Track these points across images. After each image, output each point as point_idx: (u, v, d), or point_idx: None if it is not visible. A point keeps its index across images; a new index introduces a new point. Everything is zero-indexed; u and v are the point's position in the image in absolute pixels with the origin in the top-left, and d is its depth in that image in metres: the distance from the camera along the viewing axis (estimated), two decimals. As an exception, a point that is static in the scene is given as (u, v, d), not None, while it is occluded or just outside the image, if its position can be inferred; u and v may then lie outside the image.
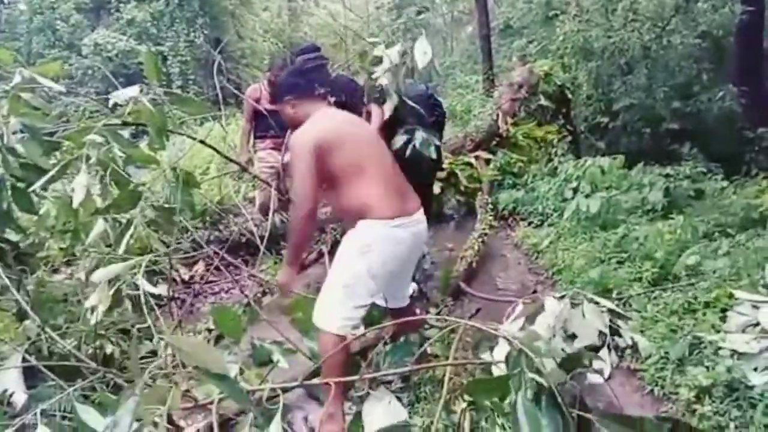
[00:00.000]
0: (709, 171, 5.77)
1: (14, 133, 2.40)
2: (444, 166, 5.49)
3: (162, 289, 2.98)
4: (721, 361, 2.53)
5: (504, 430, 2.18)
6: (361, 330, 2.77)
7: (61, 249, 3.69)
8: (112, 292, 2.35)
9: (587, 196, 5.00)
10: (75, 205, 2.35)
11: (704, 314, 2.99)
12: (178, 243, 4.37)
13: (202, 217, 5.12)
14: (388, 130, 3.98)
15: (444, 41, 18.42)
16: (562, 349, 2.16)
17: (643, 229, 4.30)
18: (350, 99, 4.02)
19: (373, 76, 3.89)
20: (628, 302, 3.42)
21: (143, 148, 2.72)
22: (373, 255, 2.32)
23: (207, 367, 1.53)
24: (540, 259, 4.80)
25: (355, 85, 4.14)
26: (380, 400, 1.93)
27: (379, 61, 3.80)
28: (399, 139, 3.73)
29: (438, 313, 3.57)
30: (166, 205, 2.91)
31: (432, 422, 1.71)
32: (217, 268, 4.39)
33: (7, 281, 2.47)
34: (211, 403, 1.73)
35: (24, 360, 2.29)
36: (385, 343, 2.69)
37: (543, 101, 7.90)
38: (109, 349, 2.97)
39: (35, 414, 1.58)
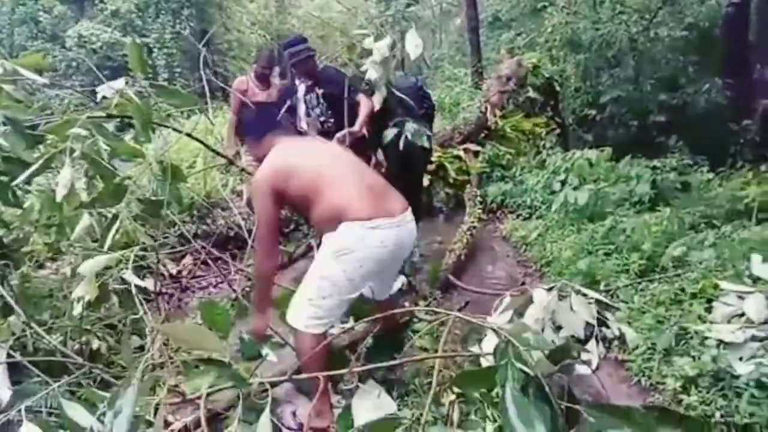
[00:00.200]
0: (695, 163, 5.81)
1: (-4, 125, 2.36)
2: (433, 158, 5.49)
3: (149, 284, 2.95)
4: (707, 351, 2.56)
5: (493, 421, 2.19)
6: (349, 324, 2.77)
7: (46, 244, 3.64)
8: (98, 284, 2.32)
9: (575, 189, 5.01)
10: (59, 199, 2.32)
11: (691, 305, 3.02)
12: (165, 237, 4.33)
13: (189, 211, 5.07)
14: (377, 122, 3.97)
15: (432, 33, 18.37)
16: (551, 341, 2.17)
17: (630, 221, 4.32)
18: (338, 91, 4.01)
19: (362, 69, 3.87)
20: (616, 294, 3.44)
21: (129, 141, 2.69)
22: (349, 257, 2.27)
23: (204, 350, 1.53)
24: (528, 252, 4.81)
25: (343, 77, 4.12)
26: (369, 393, 1.94)
27: (368, 53, 3.79)
28: (390, 132, 3.73)
29: (427, 306, 3.57)
30: (153, 199, 2.89)
31: (421, 415, 1.71)
32: (204, 263, 4.37)
33: (-10, 276, 2.44)
34: (199, 398, 1.72)
35: (9, 356, 2.27)
36: (374, 337, 2.70)
37: (531, 93, 7.91)
38: (95, 344, 2.94)
39: (20, 410, 1.56)
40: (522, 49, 9.75)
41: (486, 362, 1.86)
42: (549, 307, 2.74)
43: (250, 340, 2.67)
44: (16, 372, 2.27)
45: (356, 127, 3.88)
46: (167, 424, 2.16)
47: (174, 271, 4.52)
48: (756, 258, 3.06)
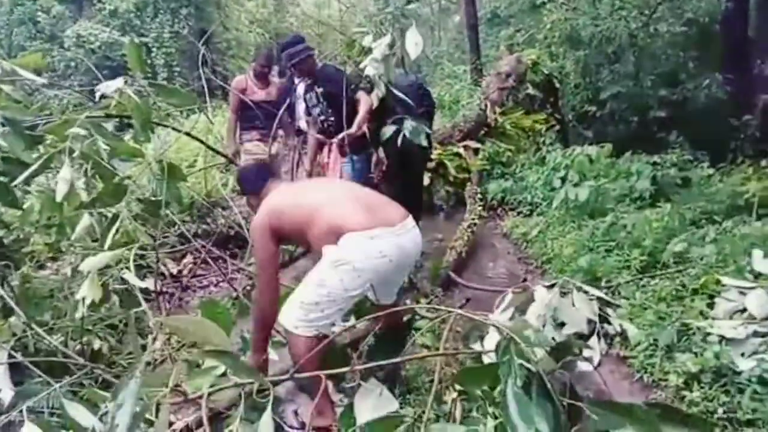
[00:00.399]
0: (695, 159, 5.80)
1: (-5, 126, 2.35)
2: (433, 156, 5.48)
3: (150, 283, 2.95)
4: (709, 348, 2.55)
5: (495, 418, 2.19)
6: (350, 322, 2.77)
7: (46, 244, 3.64)
8: (99, 284, 2.32)
9: (576, 185, 5.01)
10: (59, 199, 2.31)
11: (692, 301, 3.01)
12: (166, 237, 4.33)
13: (189, 211, 5.07)
14: (377, 120, 3.96)
15: (431, 31, 18.34)
16: (553, 338, 2.17)
17: (631, 217, 4.32)
18: (337, 89, 4.00)
19: (361, 66, 3.86)
20: (617, 290, 3.44)
21: (128, 141, 2.69)
22: (347, 268, 2.26)
23: (208, 342, 1.52)
24: (529, 249, 4.81)
25: (342, 75, 4.11)
26: (371, 391, 1.93)
27: (367, 51, 3.78)
28: (388, 130, 3.72)
29: (428, 303, 3.57)
30: (153, 199, 2.89)
31: (423, 412, 1.71)
32: (205, 262, 4.37)
33: (-9, 277, 2.44)
34: (201, 397, 1.71)
35: (10, 356, 2.26)
36: (375, 335, 2.69)
37: (531, 90, 7.91)
38: (96, 344, 2.94)
39: (22, 411, 1.56)
40: (521, 46, 9.74)
41: (488, 359, 1.86)
42: (550, 304, 2.74)
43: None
44: (17, 372, 2.26)
45: (353, 128, 3.89)
46: (169, 423, 2.16)
47: (174, 271, 4.51)
48: (757, 254, 3.06)
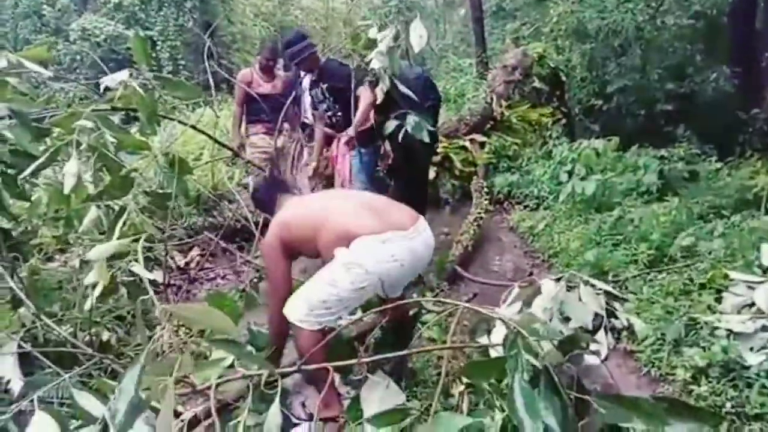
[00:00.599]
0: (703, 152, 5.77)
1: (1, 118, 2.36)
2: (438, 150, 5.46)
3: (157, 276, 2.96)
4: (717, 342, 2.54)
5: (502, 411, 2.19)
6: (357, 315, 2.77)
7: (54, 236, 3.65)
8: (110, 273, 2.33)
9: (582, 179, 4.99)
10: (66, 191, 2.32)
11: (700, 295, 3.00)
12: (173, 229, 4.34)
13: (196, 204, 5.08)
14: (383, 113, 3.95)
15: (436, 24, 18.27)
16: (560, 332, 2.17)
17: (638, 211, 4.30)
18: (342, 83, 3.99)
19: (366, 59, 3.85)
20: (624, 284, 3.43)
21: (134, 134, 2.69)
22: (358, 271, 2.27)
23: (215, 328, 1.53)
24: (536, 243, 4.80)
25: (346, 69, 4.10)
26: (378, 384, 1.94)
27: (372, 44, 3.76)
28: (390, 124, 3.71)
29: (434, 297, 3.57)
30: (159, 192, 2.89)
31: (430, 405, 1.71)
32: (212, 254, 4.38)
33: (0, 269, 2.44)
34: (209, 388, 1.72)
35: (20, 347, 2.28)
36: (381, 328, 2.70)
37: (537, 84, 7.85)
38: (105, 335, 2.96)
39: (32, 400, 1.57)
40: (527, 39, 9.68)
41: (495, 353, 1.86)
42: (557, 298, 2.74)
43: (259, 330, 2.69)
44: (27, 363, 2.28)
45: (352, 126, 3.92)
46: (177, 414, 2.17)
47: (182, 263, 4.53)
48: (766, 248, 3.04)
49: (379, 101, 3.88)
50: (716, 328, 2.63)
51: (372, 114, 4.06)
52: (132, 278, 2.85)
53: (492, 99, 7.23)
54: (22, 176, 2.41)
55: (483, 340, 2.49)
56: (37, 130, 2.48)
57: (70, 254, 3.77)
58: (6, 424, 1.61)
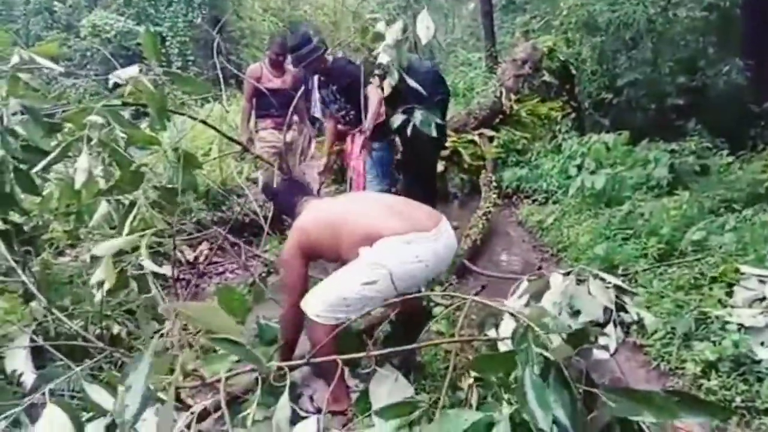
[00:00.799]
0: (714, 146, 5.72)
1: (14, 114, 2.38)
2: (447, 144, 5.45)
3: (166, 270, 2.98)
4: (728, 336, 2.53)
5: (510, 405, 2.19)
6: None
7: (65, 231, 3.69)
8: (117, 271, 2.35)
9: (592, 173, 4.96)
10: (77, 186, 2.33)
11: (710, 289, 2.98)
12: (183, 224, 4.37)
13: (205, 198, 5.11)
14: (393, 106, 3.95)
15: (445, 18, 18.19)
16: (569, 325, 2.16)
17: (648, 205, 4.28)
18: (352, 81, 3.97)
19: (374, 53, 3.84)
20: (634, 278, 3.41)
21: (144, 129, 2.70)
22: (383, 272, 2.24)
23: (218, 330, 1.54)
24: (544, 237, 4.78)
25: (354, 68, 4.09)
26: (386, 377, 1.94)
27: (380, 37, 3.75)
28: (397, 118, 3.70)
29: (443, 291, 3.56)
30: (169, 186, 2.91)
31: (438, 399, 1.71)
32: (221, 249, 4.40)
33: (12, 263, 2.47)
34: (219, 381, 1.73)
35: (32, 341, 2.31)
36: (391, 321, 2.70)
37: (546, 77, 7.81)
38: (115, 329, 2.98)
39: (44, 393, 1.59)
40: (537, 33, 9.61)
41: (504, 347, 1.85)
42: (566, 292, 2.72)
43: (267, 324, 2.70)
44: (39, 356, 2.30)
45: (366, 125, 3.94)
46: (187, 406, 2.19)
47: (191, 258, 4.56)
48: (777, 242, 3.02)
49: (385, 94, 3.88)
50: (727, 322, 2.62)
51: (383, 109, 4.06)
52: (142, 272, 2.87)
53: (501, 93, 7.20)
54: (33, 171, 2.43)
55: (491, 333, 2.49)
56: (48, 126, 2.49)
57: (80, 249, 3.80)
58: (19, 417, 1.63)
